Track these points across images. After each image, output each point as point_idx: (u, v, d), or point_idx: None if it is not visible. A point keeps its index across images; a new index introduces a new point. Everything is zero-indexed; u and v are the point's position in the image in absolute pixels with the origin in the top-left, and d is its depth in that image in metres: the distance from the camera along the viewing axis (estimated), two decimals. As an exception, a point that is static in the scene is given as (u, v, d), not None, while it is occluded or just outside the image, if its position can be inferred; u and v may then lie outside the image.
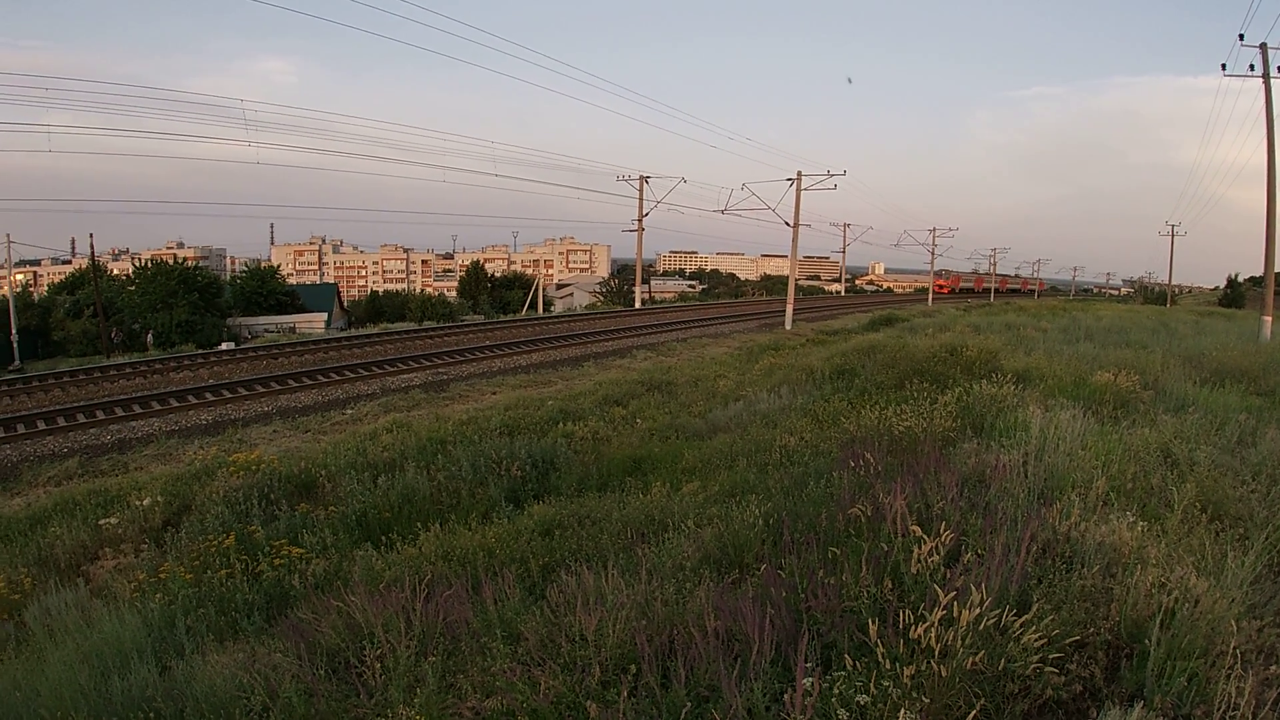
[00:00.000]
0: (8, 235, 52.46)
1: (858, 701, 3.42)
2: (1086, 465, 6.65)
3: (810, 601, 4.24)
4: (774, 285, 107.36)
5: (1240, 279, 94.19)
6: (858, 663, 3.64)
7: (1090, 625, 3.99)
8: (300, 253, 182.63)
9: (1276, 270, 26.89)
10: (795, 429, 10.16)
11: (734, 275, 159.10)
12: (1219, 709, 3.39)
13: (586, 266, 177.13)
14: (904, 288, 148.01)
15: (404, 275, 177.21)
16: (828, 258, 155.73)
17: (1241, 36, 26.56)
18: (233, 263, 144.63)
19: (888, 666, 3.55)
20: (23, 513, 11.21)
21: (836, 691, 3.49)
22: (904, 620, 3.73)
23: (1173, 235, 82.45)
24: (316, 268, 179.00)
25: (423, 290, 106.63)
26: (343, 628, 5.05)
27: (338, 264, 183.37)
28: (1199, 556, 4.76)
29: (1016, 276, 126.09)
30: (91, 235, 56.44)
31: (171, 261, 57.76)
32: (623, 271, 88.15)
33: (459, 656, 4.54)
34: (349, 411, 19.08)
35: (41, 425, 17.26)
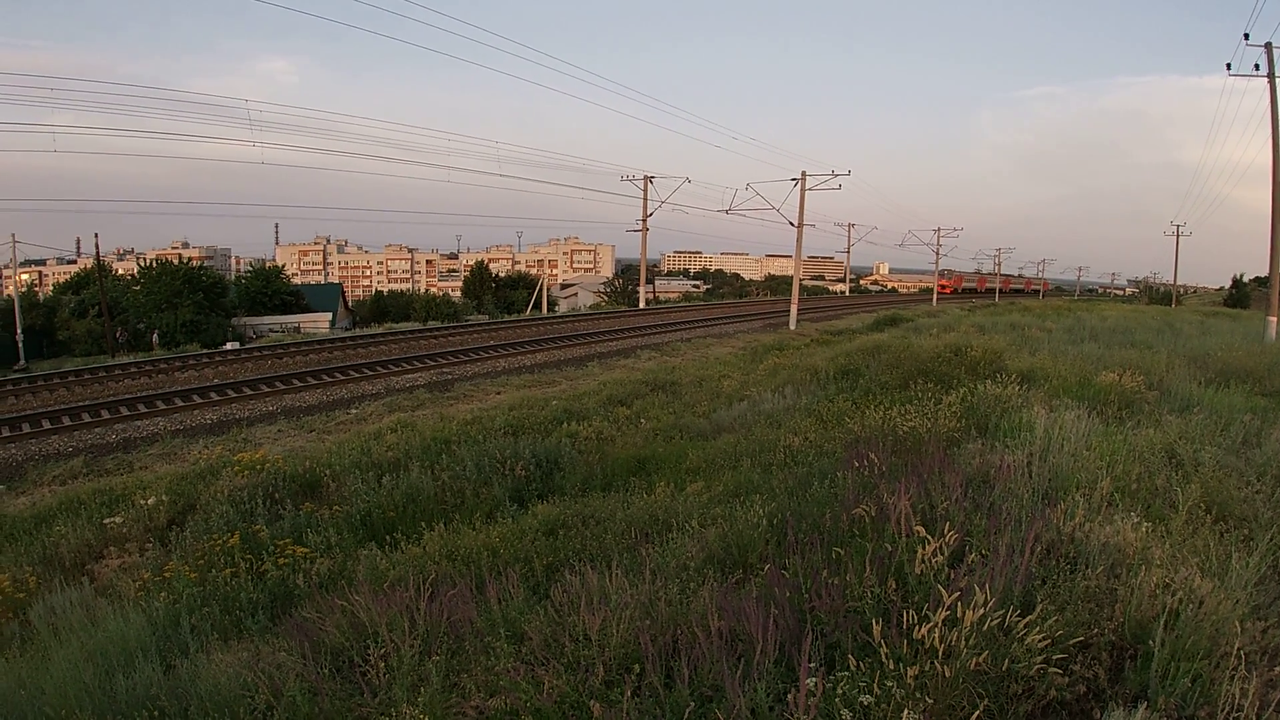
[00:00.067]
0: (13, 235, 52.62)
1: (861, 702, 3.42)
2: (1091, 466, 6.64)
3: (814, 602, 4.24)
4: (778, 285, 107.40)
5: (1245, 279, 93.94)
6: (861, 663, 3.64)
7: (1094, 626, 3.98)
8: (305, 252, 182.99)
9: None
10: (799, 429, 10.15)
11: (738, 275, 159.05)
12: (1223, 710, 3.38)
13: (591, 266, 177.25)
14: (909, 288, 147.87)
15: (409, 275, 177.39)
16: (832, 258, 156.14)
17: (1246, 36, 26.47)
18: (238, 262, 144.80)
19: (891, 667, 3.55)
20: (28, 512, 11.24)
21: (840, 692, 3.49)
22: (908, 620, 3.73)
23: (1178, 235, 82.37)
24: (321, 268, 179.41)
25: (427, 290, 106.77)
26: (347, 627, 5.06)
27: (342, 264, 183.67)
28: (1203, 557, 4.75)
29: (1020, 276, 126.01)
30: (96, 235, 56.06)
31: (176, 261, 57.80)
32: (627, 271, 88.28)
33: (463, 656, 4.54)
34: (354, 411, 19.10)
35: (47, 424, 17.30)
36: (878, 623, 3.77)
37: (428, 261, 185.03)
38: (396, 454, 11.64)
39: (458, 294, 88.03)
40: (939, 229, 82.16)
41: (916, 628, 3.66)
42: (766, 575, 4.77)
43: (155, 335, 49.58)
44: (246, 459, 11.36)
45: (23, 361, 43.36)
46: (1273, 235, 26.91)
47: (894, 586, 4.38)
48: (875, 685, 3.46)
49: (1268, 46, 26.56)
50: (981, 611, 3.66)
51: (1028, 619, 3.75)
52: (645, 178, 55.12)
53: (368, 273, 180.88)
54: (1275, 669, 3.67)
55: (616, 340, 32.03)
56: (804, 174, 44.21)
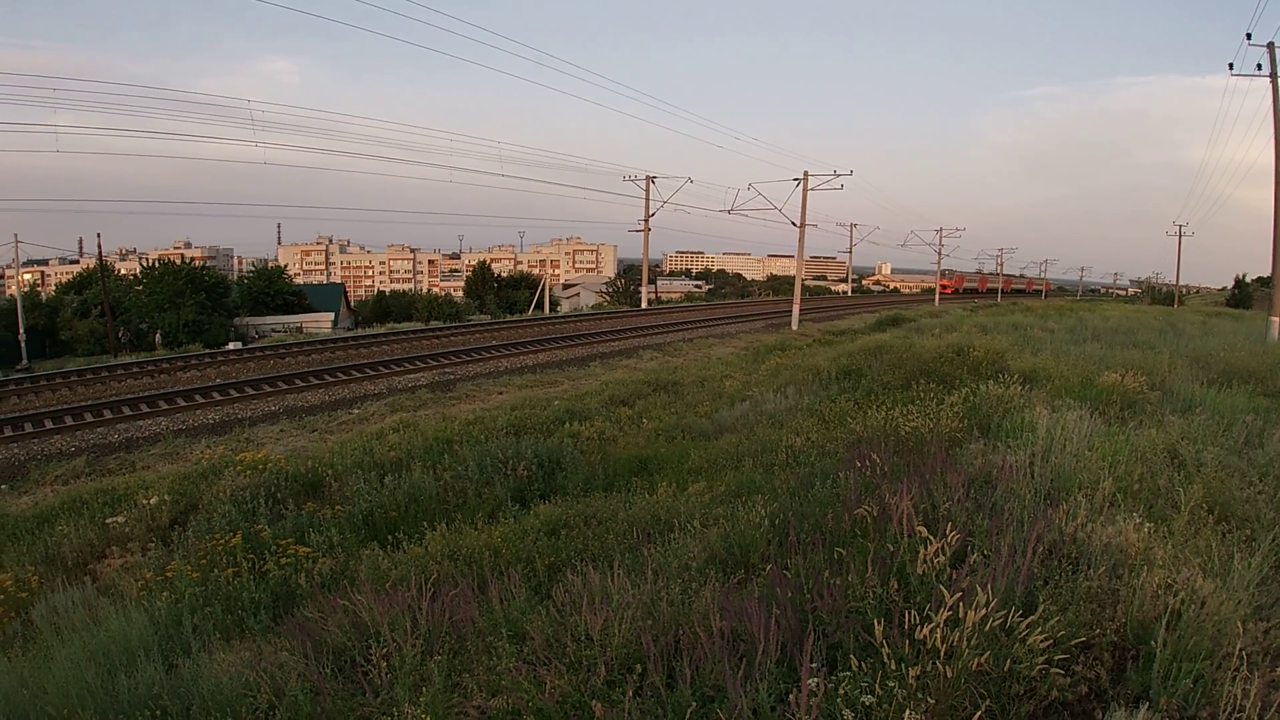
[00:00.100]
0: (15, 235, 52.69)
1: (863, 702, 3.42)
2: (1093, 466, 6.64)
3: (816, 602, 4.24)
4: (780, 285, 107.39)
5: (1248, 279, 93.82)
6: (863, 663, 3.64)
7: (1096, 626, 3.98)
8: (307, 253, 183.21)
9: (1284, 271, 26.80)
10: (801, 429, 10.15)
11: (740, 275, 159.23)
12: (1225, 711, 3.38)
13: (593, 266, 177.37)
14: (911, 288, 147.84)
15: (411, 275, 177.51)
16: (834, 258, 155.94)
17: (1249, 36, 26.46)
18: (240, 263, 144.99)
19: (893, 667, 3.54)
20: (30, 511, 11.25)
21: (842, 692, 3.49)
22: (910, 621, 3.73)
23: (1180, 235, 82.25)
24: (323, 267, 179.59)
25: (429, 290, 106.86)
26: (349, 627, 5.06)
27: (344, 264, 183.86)
28: (1205, 558, 4.75)
29: (1021, 276, 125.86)
30: (99, 235, 56.30)
31: (179, 261, 57.89)
32: (629, 271, 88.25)
33: (465, 656, 4.55)
34: (356, 411, 19.11)
35: (49, 424, 17.33)
36: (880, 623, 3.77)
37: (430, 261, 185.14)
38: (399, 454, 11.65)
39: (460, 294, 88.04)
40: (941, 229, 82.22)
41: (918, 628, 3.66)
42: (768, 575, 4.77)
43: (158, 335, 49.62)
44: (249, 459, 11.36)
45: (25, 361, 43.42)
46: (1275, 235, 26.86)
47: (896, 587, 4.38)
48: (877, 685, 3.46)
49: (1270, 46, 26.53)
50: (983, 612, 3.66)
51: (1030, 619, 3.75)
52: (647, 178, 55.16)
53: (370, 273, 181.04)
54: (1277, 670, 3.67)
55: (619, 340, 32.04)
56: (806, 174, 44.20)
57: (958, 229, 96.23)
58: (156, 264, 56.41)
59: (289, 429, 17.55)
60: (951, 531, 4.58)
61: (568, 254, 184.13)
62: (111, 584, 8.21)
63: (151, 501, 10.55)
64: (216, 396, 20.15)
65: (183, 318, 51.35)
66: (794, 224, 44.90)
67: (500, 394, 20.86)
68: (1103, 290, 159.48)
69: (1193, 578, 4.17)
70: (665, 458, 10.07)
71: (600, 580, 4.98)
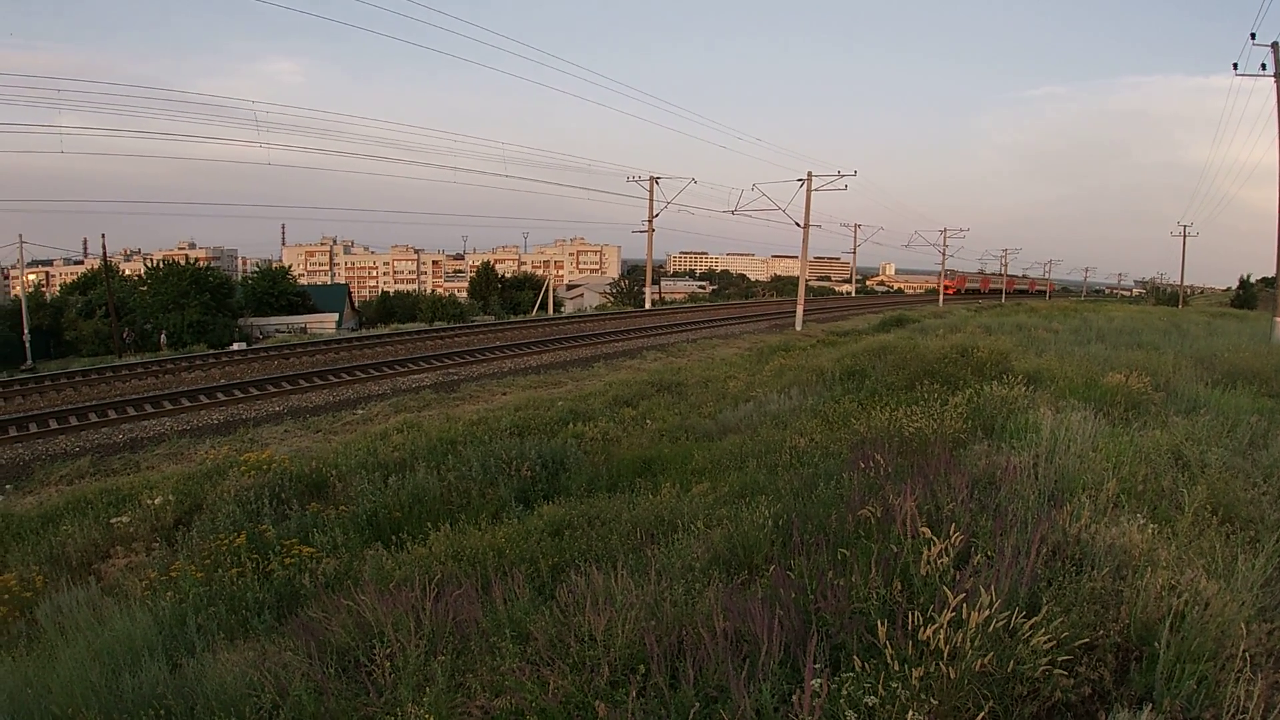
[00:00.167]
0: (20, 236, 52.93)
1: (866, 703, 3.42)
2: (1097, 467, 6.63)
3: (819, 603, 4.24)
4: (784, 286, 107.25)
5: (1252, 279, 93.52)
6: (866, 664, 3.64)
7: (1100, 628, 3.98)
8: (311, 253, 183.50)
9: (1289, 271, 26.74)
10: (805, 430, 10.15)
11: (744, 276, 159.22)
12: (1228, 712, 3.38)
13: (597, 267, 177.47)
14: (915, 288, 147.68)
15: (415, 276, 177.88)
16: (838, 258, 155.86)
17: (1253, 36, 26.44)
18: (244, 263, 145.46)
19: (896, 668, 3.55)
20: (35, 511, 11.27)
21: (845, 693, 3.49)
22: (913, 622, 3.73)
23: (1184, 236, 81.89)
24: (328, 268, 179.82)
25: (433, 291, 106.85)
26: (353, 627, 5.07)
27: (349, 264, 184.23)
28: (1209, 559, 4.74)
29: (1024, 277, 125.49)
30: (104, 236, 56.50)
31: (183, 262, 58.05)
32: (633, 272, 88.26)
33: (468, 656, 4.55)
34: (360, 411, 19.14)
35: (54, 424, 17.37)
36: (883, 624, 3.77)
37: (434, 262, 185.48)
38: (403, 454, 11.67)
39: (464, 295, 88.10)
40: (945, 230, 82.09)
41: (922, 629, 3.66)
42: (772, 576, 4.77)
43: (163, 336, 49.70)
44: (253, 459, 11.38)
45: (30, 361, 43.49)
46: (1279, 235, 26.82)
47: (899, 588, 4.38)
48: (880, 686, 3.47)
49: (1274, 46, 26.51)
50: (987, 613, 3.66)
51: (1033, 620, 3.74)
52: (651, 178, 55.10)
53: (374, 273, 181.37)
54: (1282, 671, 3.66)
55: (622, 341, 32.05)
56: (810, 175, 44.18)
57: (962, 230, 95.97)
58: (161, 264, 56.52)
59: (293, 429, 17.58)
60: (955, 532, 4.58)
61: (571, 255, 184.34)
62: (116, 584, 8.22)
63: (156, 501, 10.57)
64: (221, 397, 20.19)
65: (187, 318, 51.43)
66: (798, 225, 44.94)
67: (504, 394, 20.87)
68: (1107, 291, 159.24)
69: (1196, 579, 4.16)
70: (669, 458, 10.07)
71: (604, 581, 4.98)
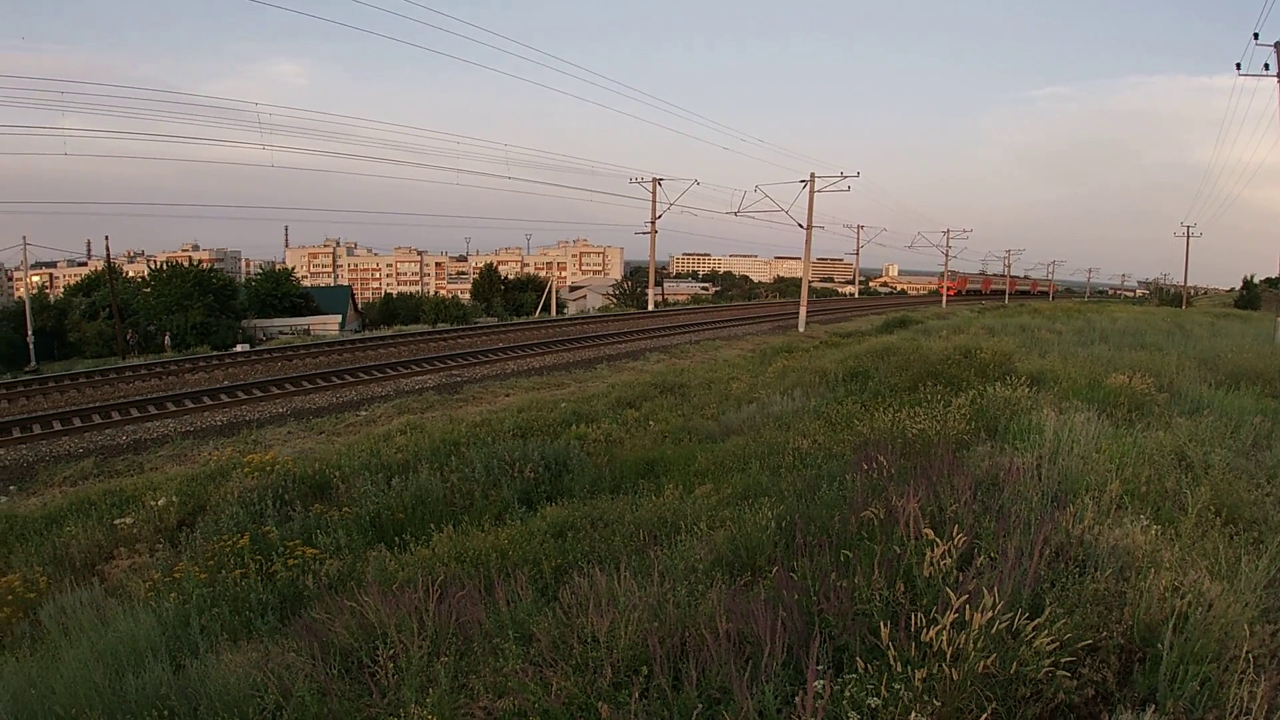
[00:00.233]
0: (24, 237, 52.94)
1: (869, 704, 3.42)
2: (1100, 468, 6.63)
3: (822, 604, 4.24)
4: (787, 287, 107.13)
5: (1256, 280, 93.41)
6: (869, 665, 3.64)
7: (1103, 629, 3.97)
8: (315, 255, 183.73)
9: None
10: (808, 432, 10.15)
11: (747, 277, 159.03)
12: (1231, 714, 3.37)
13: (599, 269, 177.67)
14: (918, 289, 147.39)
15: (418, 277, 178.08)
16: (841, 259, 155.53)
17: (1256, 36, 26.40)
18: (248, 265, 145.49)
19: (899, 669, 3.55)
20: (39, 512, 11.29)
21: (848, 694, 3.49)
22: (916, 623, 3.73)
23: (1188, 236, 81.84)
24: (331, 270, 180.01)
25: (436, 292, 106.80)
26: (356, 628, 5.08)
27: (352, 266, 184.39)
28: (1213, 560, 4.74)
29: (1026, 278, 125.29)
30: (107, 237, 56.73)
31: (187, 264, 57.97)
32: (636, 274, 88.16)
33: (471, 657, 4.55)
34: (363, 413, 19.15)
35: (57, 426, 17.39)
36: (886, 625, 3.77)
37: (437, 264, 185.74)
38: (406, 456, 11.68)
39: (467, 296, 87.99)
40: (948, 230, 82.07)
41: (925, 630, 3.66)
42: (775, 578, 4.77)
43: (167, 337, 49.74)
44: (256, 460, 11.40)
45: (33, 363, 43.51)
46: (1284, 236, 26.75)
47: (902, 589, 4.38)
48: (883, 688, 3.46)
49: (1277, 46, 26.48)
50: (990, 614, 3.66)
51: (1036, 622, 3.74)
52: (654, 180, 55.07)
53: (377, 275, 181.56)
54: (1285, 673, 3.65)
55: (625, 342, 32.03)
56: (813, 176, 44.20)
57: (965, 230, 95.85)
58: (164, 266, 56.51)
59: (296, 431, 17.59)
60: (958, 534, 4.58)
61: (574, 256, 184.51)
62: (119, 585, 8.24)
63: (159, 503, 10.59)
64: (224, 398, 20.21)
65: (190, 320, 51.42)
66: (801, 226, 44.92)
67: (507, 396, 20.87)
68: (1110, 292, 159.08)
69: (1200, 580, 4.16)
70: (672, 460, 10.07)
71: (607, 582, 4.98)
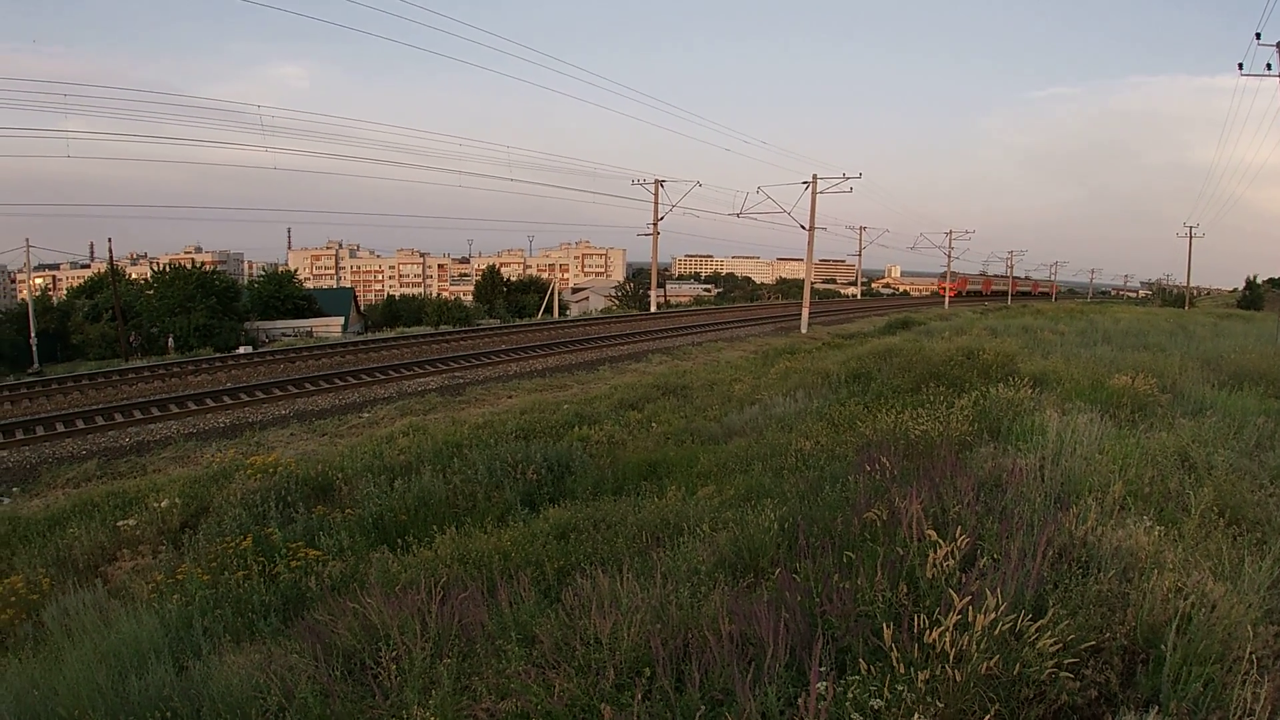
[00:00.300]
0: (27, 239, 52.86)
1: (872, 706, 3.41)
2: (1103, 469, 6.62)
3: (825, 606, 4.24)
4: (789, 289, 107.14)
5: (1259, 280, 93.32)
6: (872, 667, 3.64)
7: (1106, 630, 3.97)
8: (317, 257, 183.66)
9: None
10: (811, 433, 10.14)
11: (749, 279, 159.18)
12: (1235, 715, 3.37)
13: (602, 270, 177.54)
14: (920, 291, 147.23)
15: (420, 279, 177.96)
16: (843, 261, 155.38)
17: (1258, 35, 26.33)
18: (250, 267, 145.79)
19: (902, 671, 3.54)
20: (41, 514, 11.30)
21: (851, 696, 3.49)
22: (919, 625, 3.73)
23: (1190, 237, 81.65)
24: (333, 272, 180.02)
25: (439, 294, 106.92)
26: (359, 629, 5.08)
27: (354, 268, 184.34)
28: (1216, 561, 4.74)
29: (1027, 279, 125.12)
30: (110, 240, 56.87)
31: (189, 266, 58.01)
32: (638, 275, 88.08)
33: (474, 658, 4.56)
34: (366, 415, 19.16)
35: (60, 427, 17.40)
36: (889, 627, 3.77)
37: (439, 266, 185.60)
38: (408, 457, 11.68)
39: (469, 298, 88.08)
40: (950, 231, 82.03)
41: (928, 632, 3.65)
42: (777, 579, 4.77)
43: (170, 339, 49.79)
44: (259, 462, 11.41)
45: (36, 365, 43.56)
46: (1287, 237, 26.73)
47: (905, 590, 4.38)
48: (886, 689, 3.46)
49: (1279, 46, 26.41)
50: (993, 616, 3.65)
51: (1039, 623, 3.74)
52: (656, 181, 55.06)
53: (379, 277, 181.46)
54: (1289, 674, 3.65)
55: (627, 344, 32.02)
56: (815, 177, 44.17)
57: (967, 232, 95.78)
58: (167, 268, 56.54)
59: (299, 432, 17.60)
60: (961, 535, 4.57)
61: (576, 258, 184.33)
62: (122, 586, 8.26)
63: (162, 504, 10.60)
64: (227, 400, 20.22)
65: (193, 322, 51.47)
66: (803, 227, 44.87)
67: (509, 398, 20.87)
68: (1113, 292, 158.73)
69: (1203, 581, 4.16)
70: (674, 461, 10.07)
71: (609, 584, 4.99)
